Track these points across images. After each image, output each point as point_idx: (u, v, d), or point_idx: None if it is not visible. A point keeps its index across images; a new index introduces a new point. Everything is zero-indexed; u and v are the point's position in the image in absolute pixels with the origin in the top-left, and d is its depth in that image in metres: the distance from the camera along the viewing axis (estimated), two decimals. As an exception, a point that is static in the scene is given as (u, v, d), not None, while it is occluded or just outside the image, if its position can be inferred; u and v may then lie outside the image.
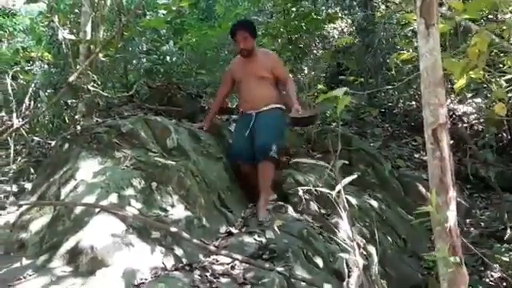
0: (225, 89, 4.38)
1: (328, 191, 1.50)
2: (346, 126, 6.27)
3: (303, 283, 2.86)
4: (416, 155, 5.94)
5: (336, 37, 8.27)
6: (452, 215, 1.78)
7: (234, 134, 4.33)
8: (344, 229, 3.77)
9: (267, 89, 4.08)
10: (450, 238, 1.74)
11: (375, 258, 3.60)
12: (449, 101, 6.57)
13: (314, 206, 3.89)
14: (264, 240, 3.32)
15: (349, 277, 3.37)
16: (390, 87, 5.79)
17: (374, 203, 4.37)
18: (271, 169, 3.86)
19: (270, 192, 3.90)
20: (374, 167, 4.91)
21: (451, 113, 6.59)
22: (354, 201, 3.97)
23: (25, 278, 2.68)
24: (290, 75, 4.34)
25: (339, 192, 1.42)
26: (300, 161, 2.19)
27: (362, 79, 7.10)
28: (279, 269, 2.44)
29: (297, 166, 4.47)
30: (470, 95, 6.56)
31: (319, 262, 3.28)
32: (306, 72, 6.54)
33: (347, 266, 3.36)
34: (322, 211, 3.91)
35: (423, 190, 1.62)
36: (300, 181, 4.03)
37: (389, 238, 4.11)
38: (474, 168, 5.58)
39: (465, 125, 6.45)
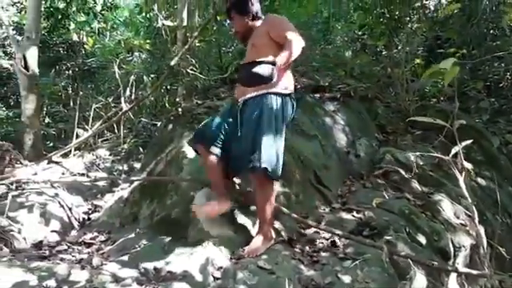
0: None
1: (442, 156, 1.43)
2: (448, 101, 5.89)
3: (406, 260, 2.76)
4: (528, 131, 5.42)
5: (432, 8, 7.77)
6: None
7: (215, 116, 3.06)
8: (448, 208, 3.60)
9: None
10: None
11: (484, 238, 3.38)
12: None
13: (415, 184, 3.74)
14: (363, 217, 3.27)
15: (455, 256, 3.22)
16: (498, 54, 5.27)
17: (482, 181, 4.09)
18: (267, 188, 2.75)
19: (271, 222, 2.83)
20: (481, 144, 4.58)
21: None
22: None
23: (139, 247, 2.92)
24: (299, 36, 2.70)
25: (455, 156, 1.35)
26: (418, 119, 1.89)
27: (464, 51, 6.61)
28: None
29: (395, 144, 4.33)
30: None
31: (422, 240, 3.16)
32: (401, 46, 6.23)
33: (453, 245, 3.21)
34: (424, 189, 3.75)
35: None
36: (399, 158, 3.89)
37: (498, 218, 3.83)
38: None
39: None
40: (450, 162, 1.39)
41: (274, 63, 2.55)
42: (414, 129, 4.71)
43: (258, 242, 2.75)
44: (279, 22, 2.87)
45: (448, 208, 3.59)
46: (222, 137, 2.84)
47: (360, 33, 6.53)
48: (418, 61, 5.76)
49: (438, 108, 4.68)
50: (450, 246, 3.22)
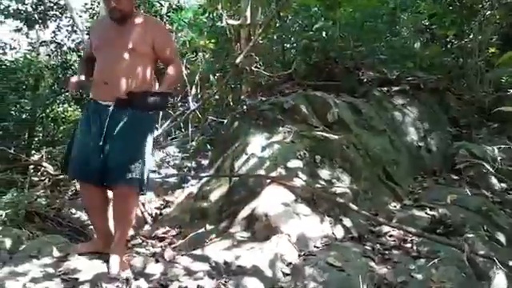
0: (89, 53, 2.82)
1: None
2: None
3: (484, 259, 2.62)
4: None
5: (508, -8, 7.27)
6: None
7: (77, 134, 2.71)
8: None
9: (139, 67, 2.61)
10: None
11: None
12: None
13: (493, 179, 3.53)
14: (437, 214, 3.14)
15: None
16: None
17: None
18: (132, 199, 2.63)
19: (126, 235, 2.69)
20: None
21: None
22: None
23: (210, 241, 2.98)
24: (177, 59, 2.79)
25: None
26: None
27: (545, 37, 6.12)
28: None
29: (469, 137, 4.12)
30: None
31: (501, 238, 2.99)
32: (473, 35, 5.89)
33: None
34: (503, 185, 3.53)
35: None
36: (475, 153, 3.69)
37: None
38: None
39: None
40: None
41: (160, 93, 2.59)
42: (490, 121, 4.44)
43: (115, 263, 2.50)
44: (167, 37, 2.83)
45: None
46: (97, 159, 2.54)
47: (428, 23, 6.25)
48: (492, 50, 5.43)
49: (515, 99, 4.37)
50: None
